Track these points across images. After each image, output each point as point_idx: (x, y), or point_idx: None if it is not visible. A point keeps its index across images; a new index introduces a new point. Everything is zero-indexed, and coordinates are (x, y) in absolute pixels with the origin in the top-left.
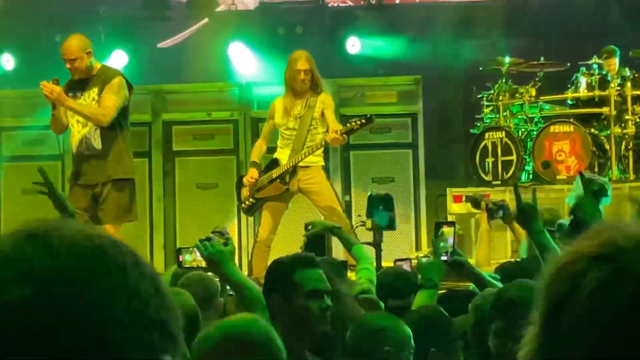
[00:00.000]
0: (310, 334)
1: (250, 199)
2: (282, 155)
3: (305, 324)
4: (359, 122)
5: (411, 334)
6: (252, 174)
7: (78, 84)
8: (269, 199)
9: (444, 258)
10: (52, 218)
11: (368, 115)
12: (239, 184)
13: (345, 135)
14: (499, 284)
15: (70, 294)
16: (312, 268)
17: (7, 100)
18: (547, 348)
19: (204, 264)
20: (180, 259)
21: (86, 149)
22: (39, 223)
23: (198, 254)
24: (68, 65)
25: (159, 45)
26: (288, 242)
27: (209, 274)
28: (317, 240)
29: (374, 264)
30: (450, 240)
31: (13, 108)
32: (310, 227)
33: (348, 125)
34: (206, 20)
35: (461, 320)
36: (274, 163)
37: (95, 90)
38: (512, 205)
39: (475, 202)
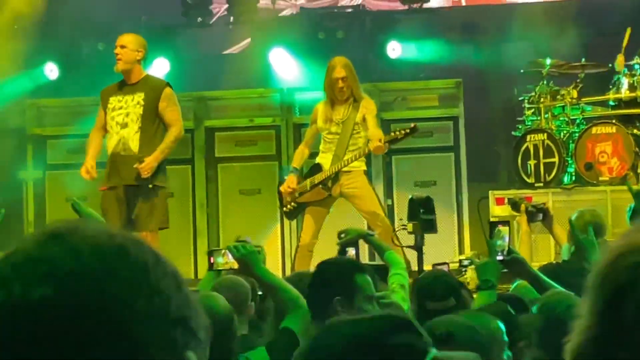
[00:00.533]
0: None
1: (292, 203)
2: (325, 160)
3: None
4: (403, 132)
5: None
6: (290, 183)
7: (122, 87)
8: (310, 204)
9: (499, 257)
10: (75, 219)
11: (412, 125)
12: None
13: (388, 144)
14: (557, 285)
15: (93, 292)
16: (365, 273)
17: (51, 109)
18: (604, 340)
19: (235, 266)
20: (212, 261)
21: (123, 149)
22: (62, 224)
23: (230, 256)
24: (116, 50)
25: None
26: (328, 246)
27: (239, 279)
28: (350, 247)
29: (406, 269)
30: (506, 239)
31: (57, 117)
32: (343, 234)
33: (392, 134)
34: (248, 40)
35: (524, 320)
36: (317, 168)
37: (142, 95)
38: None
39: (514, 205)
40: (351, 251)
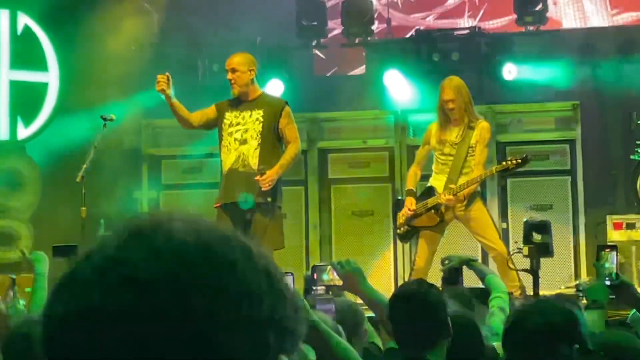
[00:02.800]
0: None
1: (406, 226)
2: (438, 182)
3: None
4: (514, 162)
5: None
6: (409, 205)
7: (239, 104)
8: (424, 228)
9: (607, 282)
10: (160, 213)
11: (524, 155)
12: (396, 209)
13: (457, 196)
14: None
15: (174, 301)
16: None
17: (165, 130)
18: None
19: (339, 283)
20: (316, 277)
21: (242, 166)
22: (146, 220)
23: (334, 273)
24: (229, 76)
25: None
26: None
27: (354, 302)
28: (454, 273)
29: (507, 292)
30: (614, 263)
31: (171, 137)
32: (446, 261)
33: (504, 163)
34: (363, 61)
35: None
36: (430, 191)
37: (260, 112)
38: None
39: None
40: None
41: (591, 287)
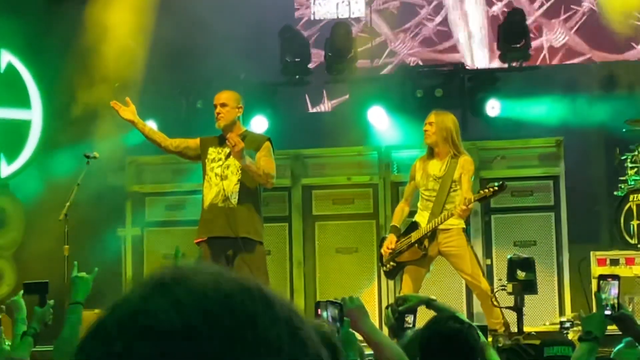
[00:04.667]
0: None
1: (391, 263)
2: (422, 218)
3: None
4: (491, 190)
5: None
6: (389, 243)
7: (222, 140)
8: (409, 263)
9: (607, 312)
10: (181, 265)
11: (501, 182)
12: (381, 246)
13: (471, 206)
14: None
15: (192, 351)
16: None
17: (149, 167)
18: None
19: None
20: (319, 313)
21: (222, 201)
22: (170, 271)
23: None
24: (217, 110)
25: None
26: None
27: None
28: (409, 314)
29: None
30: (613, 293)
31: (156, 174)
32: (400, 301)
33: (481, 192)
34: (347, 98)
35: None
36: (414, 226)
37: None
38: None
39: None
40: (409, 318)
41: (588, 317)
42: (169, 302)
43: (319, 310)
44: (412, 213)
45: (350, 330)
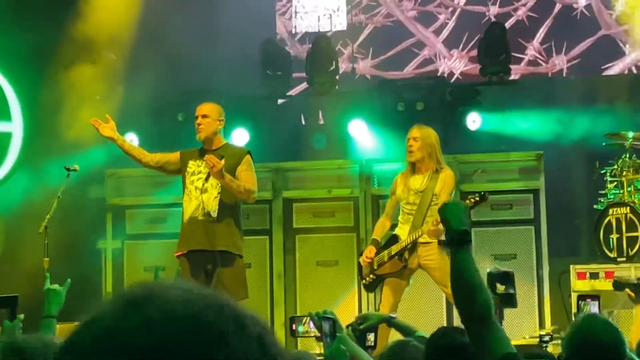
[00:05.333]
0: None
1: (371, 276)
2: (402, 231)
3: None
4: (472, 200)
5: None
6: (368, 253)
7: (202, 153)
8: (389, 275)
9: None
10: (154, 282)
11: (482, 193)
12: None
13: (440, 226)
14: None
15: None
16: None
17: (130, 179)
18: None
19: (317, 334)
20: (294, 328)
21: (202, 214)
22: (140, 289)
23: (311, 324)
24: (198, 121)
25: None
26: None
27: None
28: (370, 332)
29: None
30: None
31: (136, 187)
32: (361, 320)
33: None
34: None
35: None
36: (394, 239)
37: (222, 161)
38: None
39: (619, 285)
40: (370, 337)
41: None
42: (140, 320)
43: (294, 325)
44: (393, 227)
45: (342, 347)
